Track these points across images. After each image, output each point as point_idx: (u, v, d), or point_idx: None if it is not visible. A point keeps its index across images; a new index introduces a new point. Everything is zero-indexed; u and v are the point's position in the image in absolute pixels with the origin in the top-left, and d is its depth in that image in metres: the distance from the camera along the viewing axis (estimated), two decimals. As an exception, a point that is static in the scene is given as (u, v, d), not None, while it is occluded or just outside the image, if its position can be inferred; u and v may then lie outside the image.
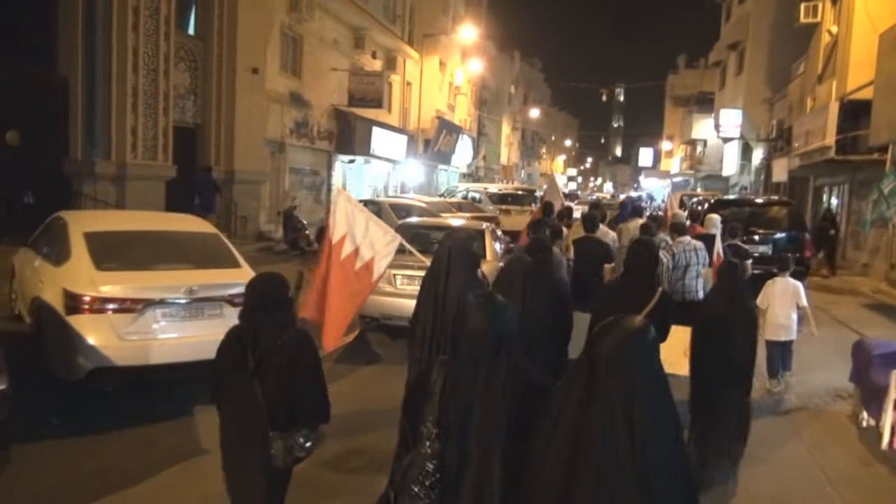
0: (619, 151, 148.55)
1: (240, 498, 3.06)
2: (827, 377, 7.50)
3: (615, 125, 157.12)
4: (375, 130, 24.90)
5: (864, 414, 5.89)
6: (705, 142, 41.07)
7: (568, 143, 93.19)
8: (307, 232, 16.33)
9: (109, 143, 13.60)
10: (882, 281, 14.48)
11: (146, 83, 14.08)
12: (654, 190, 63.31)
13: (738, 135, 30.47)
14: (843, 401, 6.78)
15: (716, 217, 10.04)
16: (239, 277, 6.15)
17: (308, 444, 2.93)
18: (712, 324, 4.72)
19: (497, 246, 9.99)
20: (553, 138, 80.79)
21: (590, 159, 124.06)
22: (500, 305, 2.33)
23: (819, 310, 12.01)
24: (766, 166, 27.78)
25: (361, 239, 4.70)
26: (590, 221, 8.07)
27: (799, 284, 6.95)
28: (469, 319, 2.29)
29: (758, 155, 30.21)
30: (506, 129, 55.44)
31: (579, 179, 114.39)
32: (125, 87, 13.59)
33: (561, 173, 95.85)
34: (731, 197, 17.87)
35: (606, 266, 7.10)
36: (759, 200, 14.21)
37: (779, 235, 12.48)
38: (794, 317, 6.88)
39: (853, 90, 16.79)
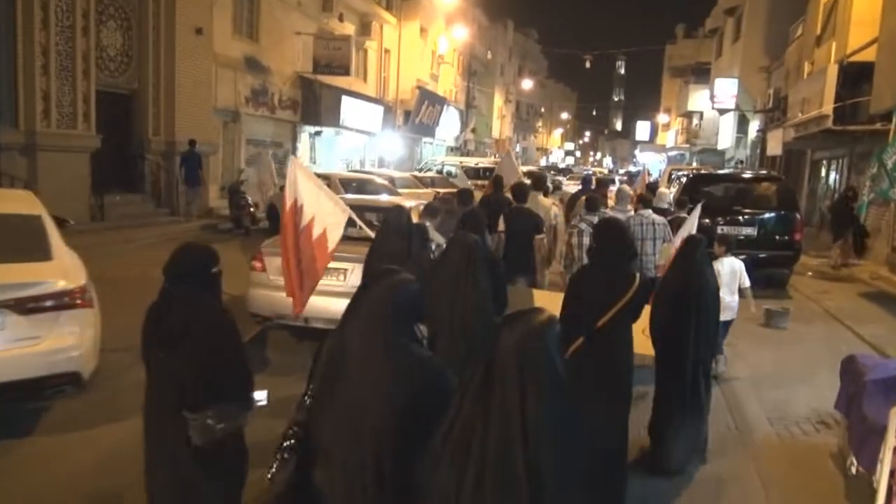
0: (619, 125, 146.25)
1: (155, 479, 2.88)
2: (811, 395, 6.05)
3: (615, 98, 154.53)
4: (345, 100, 23.35)
5: (854, 459, 4.43)
6: (701, 114, 39.46)
7: (565, 115, 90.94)
8: (252, 209, 14.85)
9: (16, 110, 12.05)
10: (882, 265, 12.99)
11: (60, 42, 12.48)
12: (651, 164, 61.60)
13: (733, 106, 28.88)
14: (828, 430, 5.33)
15: (665, 191, 9.33)
16: (39, 275, 4.67)
17: (219, 427, 2.72)
18: (673, 301, 4.40)
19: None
20: (543, 110, 78.54)
21: (588, 133, 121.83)
22: (398, 280, 2.24)
23: (810, 300, 10.57)
24: (762, 139, 26.24)
25: (316, 209, 4.68)
26: (520, 191, 7.54)
27: (741, 264, 6.43)
28: (367, 287, 2.26)
29: (754, 127, 28.71)
30: (498, 101, 53.65)
31: (577, 154, 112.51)
32: (32, 47, 12.00)
33: (558, 147, 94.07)
34: (716, 171, 16.08)
35: (537, 237, 6.88)
36: (746, 175, 12.58)
37: (767, 215, 10.95)
38: (736, 297, 6.43)
39: (854, 51, 15.13)
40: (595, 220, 6.80)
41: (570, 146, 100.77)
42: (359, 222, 5.12)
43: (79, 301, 4.72)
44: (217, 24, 17.21)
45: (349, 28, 24.45)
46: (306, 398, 2.26)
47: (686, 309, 4.33)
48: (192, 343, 2.73)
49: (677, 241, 6.21)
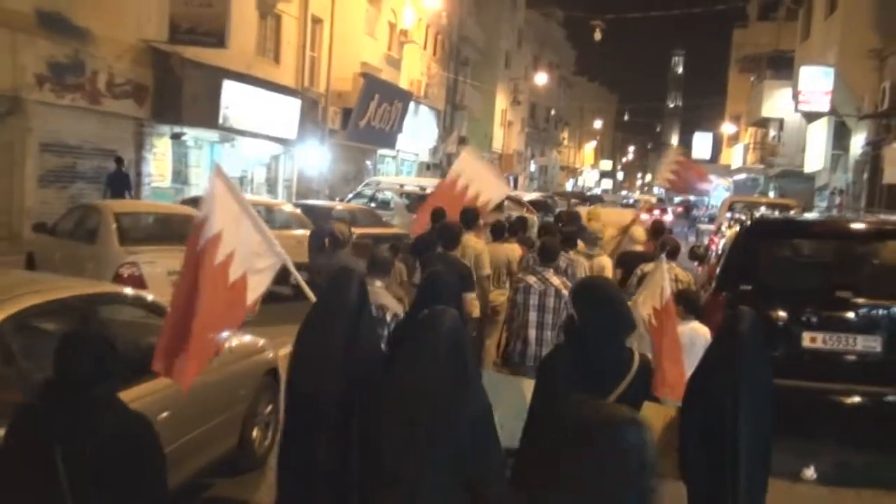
0: (675, 139, 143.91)
1: None
2: None
3: (671, 105, 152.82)
4: (229, 87, 19.75)
5: None
6: (781, 122, 36.44)
7: (598, 124, 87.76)
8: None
9: None
10: None
11: None
12: (713, 192, 58.11)
13: (827, 107, 25.54)
14: None
15: (639, 230, 9.64)
16: None
17: None
18: (705, 402, 3.95)
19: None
20: (554, 113, 75.38)
21: (632, 148, 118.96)
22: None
23: None
24: (872, 157, 23.08)
25: (236, 244, 4.32)
26: (446, 232, 7.52)
27: (706, 335, 5.75)
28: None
29: (858, 141, 25.39)
30: (501, 102, 50.28)
31: (619, 175, 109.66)
32: None
33: (591, 166, 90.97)
34: (798, 218, 9.50)
35: (466, 296, 6.67)
36: (858, 226, 8.12)
37: (904, 309, 6.83)
38: None
39: None
40: (548, 274, 6.78)
41: (606, 165, 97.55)
42: (296, 276, 4.70)
43: None
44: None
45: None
46: None
47: (724, 414, 3.74)
48: (106, 470, 2.73)
49: (642, 298, 5.47)
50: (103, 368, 2.92)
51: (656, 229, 10.13)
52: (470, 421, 3.23)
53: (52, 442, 2.73)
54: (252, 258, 4.41)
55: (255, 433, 5.95)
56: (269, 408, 6.20)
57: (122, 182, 16.42)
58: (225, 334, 4.47)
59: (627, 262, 8.67)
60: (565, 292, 6.47)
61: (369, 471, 3.33)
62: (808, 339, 6.76)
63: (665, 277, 5.92)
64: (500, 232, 9.06)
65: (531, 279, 6.73)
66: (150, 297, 5.35)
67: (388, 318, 5.12)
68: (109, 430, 2.82)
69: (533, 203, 29.42)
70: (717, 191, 55.50)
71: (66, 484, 2.70)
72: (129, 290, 5.46)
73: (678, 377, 5.30)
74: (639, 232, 9.96)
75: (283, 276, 4.86)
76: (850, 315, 6.83)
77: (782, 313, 6.83)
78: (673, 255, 7.55)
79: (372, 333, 4.02)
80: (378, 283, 5.33)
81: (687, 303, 6.37)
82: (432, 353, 3.23)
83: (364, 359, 3.75)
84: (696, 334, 6.07)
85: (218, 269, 4.24)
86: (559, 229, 9.88)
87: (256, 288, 4.41)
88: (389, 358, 3.77)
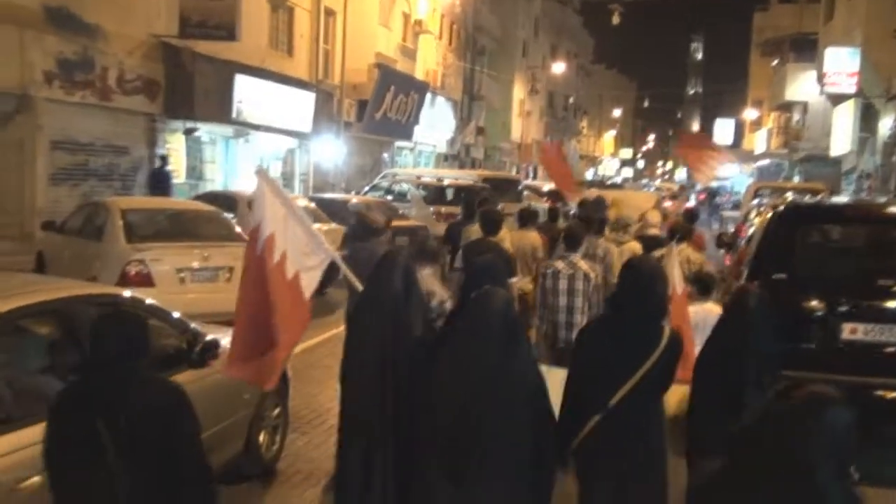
0: (696, 126, 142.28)
1: None
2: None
3: (691, 91, 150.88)
4: (242, 81, 19.51)
5: None
6: (805, 105, 35.97)
7: (618, 112, 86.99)
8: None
9: None
10: None
11: None
12: (735, 179, 57.33)
13: (853, 89, 25.04)
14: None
15: (655, 214, 9.74)
16: None
17: None
18: (717, 377, 4.37)
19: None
20: (571, 103, 74.75)
21: (652, 136, 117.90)
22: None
23: None
24: None
25: (286, 244, 4.47)
26: (488, 219, 8.00)
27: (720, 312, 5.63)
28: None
29: (886, 124, 24.80)
30: (519, 91, 49.78)
31: (640, 164, 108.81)
32: None
33: (611, 155, 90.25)
34: (833, 203, 10.24)
35: (509, 281, 6.22)
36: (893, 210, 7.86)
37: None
38: None
39: None
40: (576, 258, 6.97)
41: (626, 153, 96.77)
42: (345, 270, 4.82)
43: None
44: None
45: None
46: None
47: (735, 392, 4.14)
48: (152, 441, 2.92)
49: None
50: (132, 347, 3.12)
51: (688, 217, 10.36)
52: (523, 399, 3.41)
53: (94, 416, 2.91)
54: (302, 258, 4.55)
55: (261, 437, 5.78)
56: (277, 411, 6.00)
57: (161, 180, 16.89)
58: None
59: (645, 246, 8.84)
60: (593, 276, 6.79)
61: (421, 452, 3.50)
62: (847, 331, 6.36)
63: (676, 261, 6.22)
64: (525, 219, 9.21)
65: (559, 264, 6.91)
66: (148, 299, 5.07)
67: (435, 303, 5.27)
68: (139, 405, 2.98)
69: (553, 193, 28.92)
70: (740, 177, 54.80)
71: (113, 454, 2.87)
72: (126, 292, 5.15)
73: (691, 356, 5.18)
74: (654, 215, 10.12)
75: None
76: (894, 304, 6.45)
77: (819, 303, 6.43)
78: (683, 239, 8.04)
79: (419, 318, 4.17)
80: (427, 271, 5.54)
81: (701, 284, 6.61)
82: (485, 332, 3.40)
83: (412, 342, 3.96)
84: (710, 314, 6.14)
85: (276, 269, 4.40)
86: (587, 217, 10.01)
87: (310, 285, 4.57)
88: (437, 339, 3.91)
